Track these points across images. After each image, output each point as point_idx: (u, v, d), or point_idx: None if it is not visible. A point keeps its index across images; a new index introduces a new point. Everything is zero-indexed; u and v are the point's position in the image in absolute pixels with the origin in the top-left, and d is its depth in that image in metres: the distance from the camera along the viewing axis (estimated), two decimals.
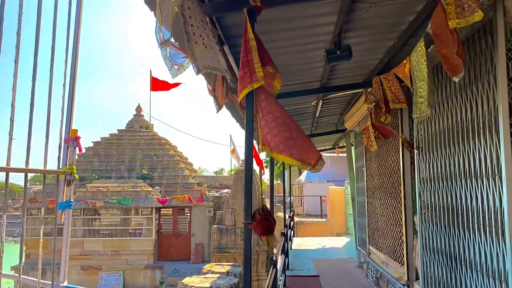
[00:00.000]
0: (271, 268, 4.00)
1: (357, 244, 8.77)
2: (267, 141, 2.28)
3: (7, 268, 20.79)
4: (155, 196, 17.31)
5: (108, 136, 21.60)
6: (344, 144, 14.14)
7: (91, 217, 17.29)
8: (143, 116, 23.13)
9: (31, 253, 17.35)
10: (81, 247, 16.95)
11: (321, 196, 23.89)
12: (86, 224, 17.24)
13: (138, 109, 22.99)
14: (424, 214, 4.31)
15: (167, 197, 17.46)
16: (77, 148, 4.28)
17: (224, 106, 3.67)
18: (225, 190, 18.91)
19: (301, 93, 4.90)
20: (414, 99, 3.43)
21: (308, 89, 4.88)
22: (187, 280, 8.26)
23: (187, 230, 17.79)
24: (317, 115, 6.98)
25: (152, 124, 23.30)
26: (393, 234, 5.38)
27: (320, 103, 5.99)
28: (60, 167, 4.15)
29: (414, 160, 4.82)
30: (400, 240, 5.04)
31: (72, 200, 4.22)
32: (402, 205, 4.90)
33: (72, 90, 4.06)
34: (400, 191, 5.03)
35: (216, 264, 10.85)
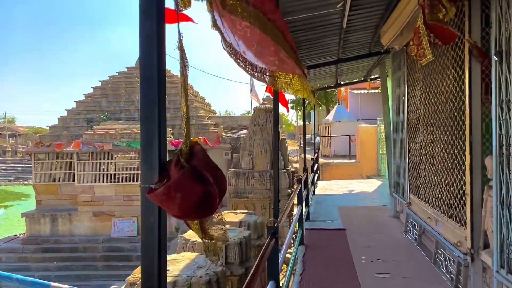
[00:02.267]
0: (269, 238, 2.73)
1: (392, 189, 7.45)
2: None
3: (18, 215, 20.87)
4: (167, 138, 16.30)
5: (117, 74, 20.42)
6: (378, 75, 12.43)
7: (100, 161, 16.58)
8: None
9: (42, 199, 17.01)
10: (92, 193, 16.43)
11: (350, 136, 22.41)
12: (96, 169, 16.59)
13: None
14: (506, 155, 2.88)
15: (180, 139, 16.42)
16: None
17: None
18: (243, 131, 17.71)
19: None
20: None
21: None
22: (189, 234, 7.26)
23: None
24: (344, 27, 5.39)
25: None
26: (449, 182, 3.98)
27: (349, 3, 4.40)
28: None
29: (488, 76, 3.31)
30: (460, 192, 3.64)
31: None
32: (466, 142, 3.45)
33: None
34: (463, 123, 3.56)
35: (229, 212, 9.86)
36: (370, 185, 12.42)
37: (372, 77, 13.01)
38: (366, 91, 32.39)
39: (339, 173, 16.95)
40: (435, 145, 4.50)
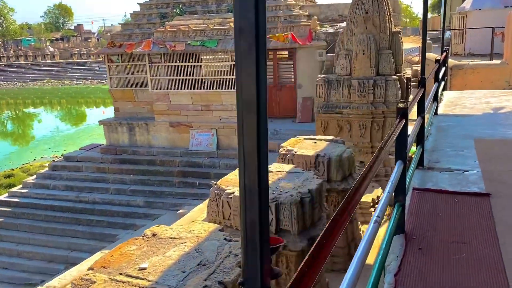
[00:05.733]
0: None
1: None
2: None
3: (96, 121, 20.88)
4: None
5: None
6: None
7: (174, 64, 14.84)
8: None
9: (120, 105, 16.24)
10: (167, 101, 15.06)
11: (493, 28, 17.43)
12: (171, 73, 14.96)
13: None
14: None
15: None
16: None
17: None
18: (344, 24, 14.24)
19: None
20: None
21: None
22: (227, 180, 5.05)
23: (292, 80, 14.27)
24: None
25: None
26: None
27: None
28: None
29: None
30: None
31: None
32: None
33: None
34: None
35: (306, 139, 7.43)
36: None
37: None
38: None
39: (476, 80, 12.98)
40: None
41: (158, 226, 3.66)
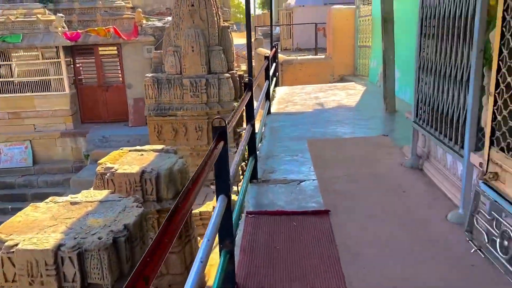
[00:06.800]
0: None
1: (415, 116, 4.15)
2: None
3: None
4: (60, 28, 11.88)
5: None
6: None
7: None
8: None
9: None
10: None
11: (316, 24, 18.58)
12: None
13: None
14: None
15: (79, 31, 12.05)
16: None
17: None
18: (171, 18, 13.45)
19: None
20: None
21: None
22: (12, 223, 3.81)
23: (120, 79, 12.92)
24: None
25: None
26: None
27: None
28: None
29: None
30: None
31: None
32: None
33: None
34: None
35: (131, 150, 6.42)
36: (350, 94, 9.10)
37: None
38: None
39: (305, 74, 13.48)
40: None
41: None
